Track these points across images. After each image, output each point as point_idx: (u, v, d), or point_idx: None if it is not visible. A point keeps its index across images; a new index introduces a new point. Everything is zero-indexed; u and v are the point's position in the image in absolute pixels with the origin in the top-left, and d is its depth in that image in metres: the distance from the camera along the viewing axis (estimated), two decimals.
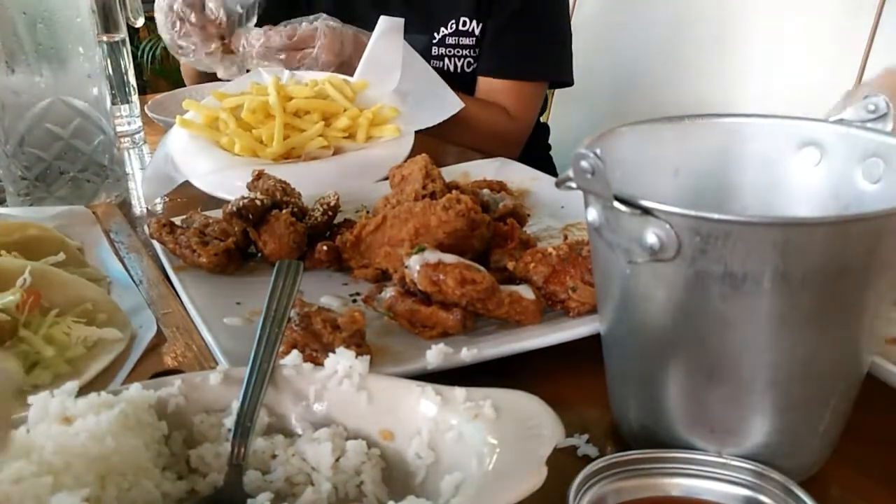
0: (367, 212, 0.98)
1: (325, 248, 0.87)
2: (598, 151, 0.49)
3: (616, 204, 0.50)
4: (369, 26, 1.36)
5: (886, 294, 0.51)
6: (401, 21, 1.32)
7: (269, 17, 1.46)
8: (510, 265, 0.77)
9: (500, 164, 1.19)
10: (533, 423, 0.52)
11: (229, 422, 0.56)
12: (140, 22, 1.55)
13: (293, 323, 0.66)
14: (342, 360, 0.58)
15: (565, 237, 0.87)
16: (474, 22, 1.58)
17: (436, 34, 1.60)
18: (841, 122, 0.60)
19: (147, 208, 1.18)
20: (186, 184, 1.13)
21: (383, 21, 1.32)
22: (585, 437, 0.61)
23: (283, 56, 1.40)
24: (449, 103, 1.28)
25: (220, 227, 0.91)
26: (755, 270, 0.48)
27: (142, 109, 1.54)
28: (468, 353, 0.67)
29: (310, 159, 1.17)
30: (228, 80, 1.42)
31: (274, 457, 0.55)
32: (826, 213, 0.60)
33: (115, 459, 0.50)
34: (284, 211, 0.90)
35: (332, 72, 1.38)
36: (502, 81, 1.58)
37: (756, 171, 0.64)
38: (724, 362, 0.52)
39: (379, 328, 0.75)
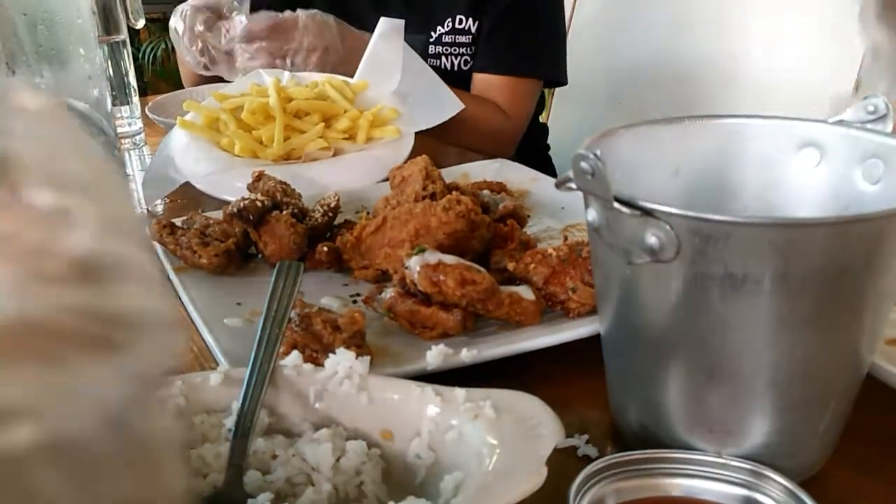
0: (368, 213, 0.98)
1: (325, 249, 0.87)
2: (597, 152, 0.49)
3: (616, 205, 0.50)
4: (368, 27, 1.36)
5: (886, 294, 0.51)
6: (401, 22, 1.32)
7: None
8: (510, 266, 0.77)
9: (499, 165, 1.19)
10: (533, 423, 0.52)
11: (229, 422, 0.56)
12: (141, 23, 1.54)
13: (293, 323, 0.66)
14: (342, 361, 0.58)
15: (565, 238, 0.87)
16: (470, 20, 1.58)
17: (433, 33, 1.60)
18: (841, 122, 0.60)
19: (147, 209, 1.18)
20: (187, 185, 1.13)
21: (383, 22, 1.32)
22: (585, 437, 0.61)
23: (265, 43, 1.40)
24: (449, 104, 1.28)
25: (221, 228, 0.91)
26: (755, 271, 0.48)
27: (142, 111, 1.54)
28: (468, 354, 0.67)
29: (310, 160, 1.17)
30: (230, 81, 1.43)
31: (274, 457, 0.55)
32: (826, 214, 0.60)
33: None
34: (285, 212, 0.90)
35: (319, 56, 1.39)
36: (497, 77, 1.58)
37: (756, 172, 0.64)
38: (724, 363, 0.52)
39: (379, 329, 0.75)
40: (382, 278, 0.83)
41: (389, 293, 0.74)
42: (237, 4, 1.44)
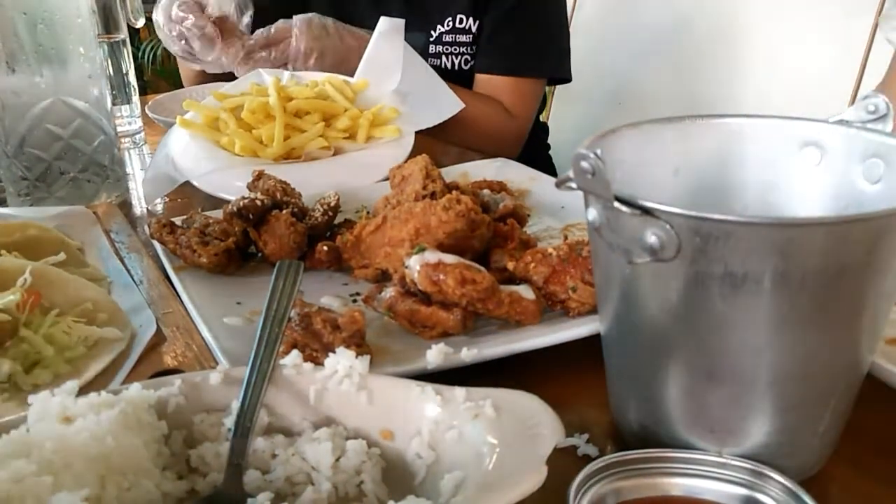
0: (368, 212, 0.98)
1: (325, 248, 0.87)
2: (598, 152, 0.49)
3: (616, 204, 0.50)
4: (368, 26, 1.36)
5: (886, 294, 0.51)
6: (401, 22, 1.32)
7: (266, 21, 1.46)
8: (510, 265, 0.77)
9: (500, 165, 1.19)
10: (533, 422, 0.52)
11: (229, 421, 0.56)
12: (141, 22, 1.55)
13: (293, 323, 0.66)
14: (342, 360, 0.58)
15: (565, 237, 0.87)
16: (471, 19, 1.58)
17: (433, 32, 1.60)
18: (841, 122, 0.60)
19: (147, 208, 1.18)
20: (187, 184, 1.13)
21: (384, 21, 1.32)
22: (585, 437, 0.61)
23: (263, 53, 1.41)
24: (449, 104, 1.28)
25: (221, 227, 0.91)
26: (755, 270, 0.48)
27: (142, 110, 1.54)
28: (468, 353, 0.67)
29: (310, 160, 1.17)
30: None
31: (274, 456, 0.55)
32: (826, 214, 0.60)
33: (115, 459, 0.50)
34: (285, 211, 0.90)
35: (316, 59, 1.39)
36: (500, 78, 1.58)
37: (756, 171, 0.64)
38: (724, 362, 0.52)
39: (379, 328, 0.75)
40: (382, 277, 0.83)
41: (389, 292, 0.74)
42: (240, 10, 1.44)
